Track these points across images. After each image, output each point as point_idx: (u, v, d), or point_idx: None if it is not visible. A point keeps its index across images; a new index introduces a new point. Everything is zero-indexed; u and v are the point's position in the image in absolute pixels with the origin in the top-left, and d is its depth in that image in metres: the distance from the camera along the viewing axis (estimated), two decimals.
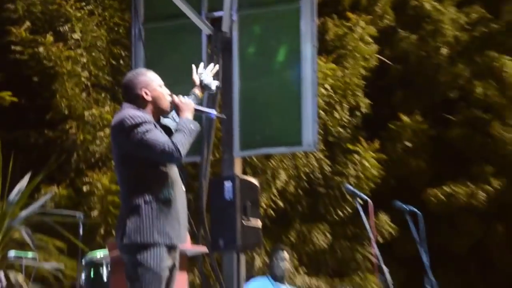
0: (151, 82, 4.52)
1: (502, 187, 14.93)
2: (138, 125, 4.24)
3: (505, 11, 16.28)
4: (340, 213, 12.82)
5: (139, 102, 4.38)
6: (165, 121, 5.00)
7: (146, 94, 4.38)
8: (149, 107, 4.48)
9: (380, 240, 10.86)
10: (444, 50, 15.89)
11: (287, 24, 8.87)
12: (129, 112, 4.36)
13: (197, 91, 5.04)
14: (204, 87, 5.07)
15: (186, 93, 4.96)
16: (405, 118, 14.90)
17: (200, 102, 5.20)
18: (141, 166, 4.38)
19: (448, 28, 15.71)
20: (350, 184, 10.33)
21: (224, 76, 8.56)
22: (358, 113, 13.72)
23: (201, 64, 5.27)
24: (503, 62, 15.20)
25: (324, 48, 12.35)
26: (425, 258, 6.58)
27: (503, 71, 15.19)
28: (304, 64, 8.55)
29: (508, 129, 15.29)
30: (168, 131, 4.72)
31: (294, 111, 8.65)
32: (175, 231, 4.38)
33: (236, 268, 8.34)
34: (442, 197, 14.66)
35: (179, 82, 7.22)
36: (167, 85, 4.87)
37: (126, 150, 4.39)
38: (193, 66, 5.09)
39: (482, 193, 14.73)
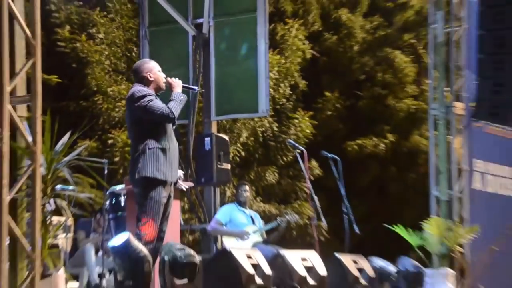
0: (153, 68, 4.66)
1: (395, 140, 15.00)
2: (144, 96, 4.41)
3: (395, 20, 16.18)
4: (285, 159, 12.91)
5: (145, 81, 4.53)
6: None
7: (150, 76, 4.53)
8: (152, 85, 4.58)
9: (312, 178, 10.69)
10: (355, 47, 15.78)
11: (248, 28, 8.93)
12: (138, 88, 4.54)
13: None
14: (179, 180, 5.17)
15: (177, 75, 4.94)
16: (329, 94, 14.83)
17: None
18: (147, 125, 4.53)
19: (358, 32, 15.63)
20: (291, 140, 10.53)
21: (204, 64, 8.90)
22: (297, 90, 13.66)
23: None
24: (395, 55, 15.20)
25: (273, 44, 12.01)
26: (342, 190, 6.88)
27: (395, 61, 15.13)
28: (259, 56, 8.72)
29: (399, 101, 15.25)
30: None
31: (252, 88, 8.74)
32: (169, 171, 4.54)
33: (213, 197, 8.64)
34: (356, 147, 14.69)
35: (172, 69, 7.96)
36: (164, 70, 5.02)
37: (136, 114, 4.53)
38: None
39: (382, 145, 14.80)
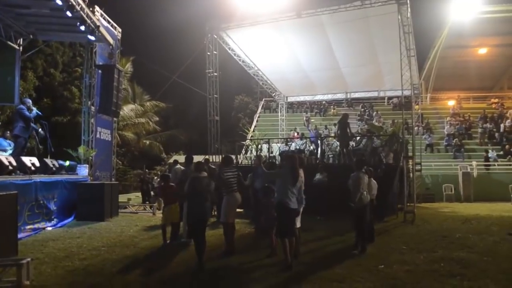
0: None
1: (70, 118, 22.45)
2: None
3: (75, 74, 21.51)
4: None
5: None
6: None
7: None
8: None
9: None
10: (58, 83, 22.28)
11: (11, 69, 11.52)
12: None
13: None
14: None
15: None
16: (42, 100, 19.92)
17: None
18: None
19: (58, 76, 22.52)
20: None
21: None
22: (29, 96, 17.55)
23: None
24: (73, 88, 21.93)
25: (23, 77, 15.57)
26: (48, 135, 9.35)
27: (73, 91, 21.91)
28: (16, 81, 11.42)
29: (74, 103, 22.36)
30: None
31: (12, 93, 11.38)
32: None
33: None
34: (56, 119, 20.89)
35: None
36: None
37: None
38: None
39: (65, 119, 21.85)
